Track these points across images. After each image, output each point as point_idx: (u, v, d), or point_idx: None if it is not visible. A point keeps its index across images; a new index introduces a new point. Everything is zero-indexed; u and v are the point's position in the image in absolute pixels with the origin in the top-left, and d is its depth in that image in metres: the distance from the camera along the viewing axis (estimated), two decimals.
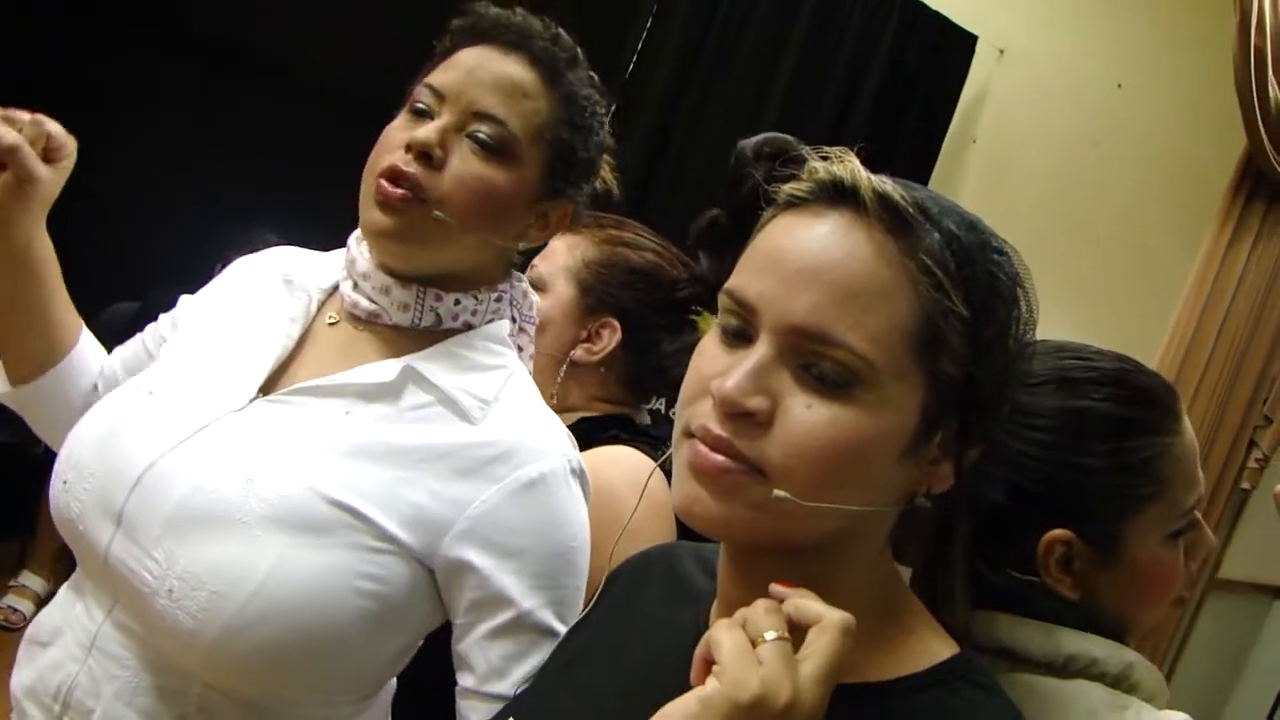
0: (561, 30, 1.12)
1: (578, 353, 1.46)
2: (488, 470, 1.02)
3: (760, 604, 0.68)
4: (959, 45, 4.01)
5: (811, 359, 0.71)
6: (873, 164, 0.76)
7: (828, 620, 0.66)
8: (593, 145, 1.13)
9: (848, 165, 0.74)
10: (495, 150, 1.05)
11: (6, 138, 1.07)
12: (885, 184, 0.73)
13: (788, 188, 0.77)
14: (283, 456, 1.01)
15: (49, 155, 1.12)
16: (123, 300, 2.77)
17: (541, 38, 1.10)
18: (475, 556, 1.00)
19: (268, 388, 1.07)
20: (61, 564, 3.44)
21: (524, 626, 1.01)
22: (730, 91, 3.69)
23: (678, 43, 3.62)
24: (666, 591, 0.94)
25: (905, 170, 0.75)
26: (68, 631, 1.05)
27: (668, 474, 0.79)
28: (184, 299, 1.26)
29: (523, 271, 1.22)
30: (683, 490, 0.74)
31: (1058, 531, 0.89)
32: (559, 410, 1.45)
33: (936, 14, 3.94)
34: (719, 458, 0.71)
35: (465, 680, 1.04)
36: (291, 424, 1.03)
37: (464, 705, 1.04)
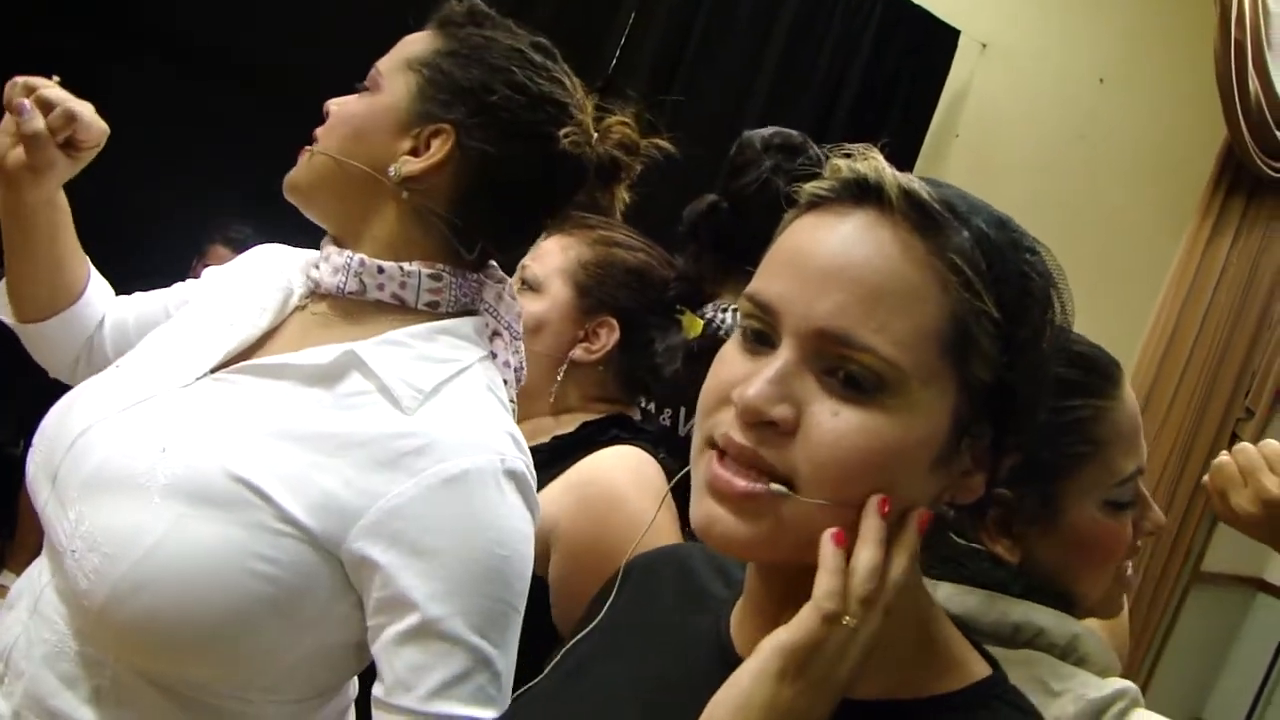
0: (481, 6, 1.12)
1: (577, 352, 1.46)
2: (406, 462, 0.96)
3: (863, 589, 0.67)
4: (942, 40, 4.02)
5: (837, 363, 0.67)
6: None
7: (864, 596, 0.67)
8: (481, 70, 1.06)
9: (872, 162, 0.71)
10: (365, 90, 1.10)
11: (31, 124, 1.08)
12: (912, 181, 0.70)
13: (809, 186, 0.73)
14: (203, 431, 0.99)
15: (73, 143, 1.13)
16: None
17: (451, 8, 1.12)
18: (379, 553, 0.95)
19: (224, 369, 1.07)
20: None
21: (431, 634, 0.94)
22: (713, 88, 3.69)
23: (660, 38, 3.61)
24: (680, 596, 0.90)
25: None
26: (26, 595, 1.05)
27: (669, 474, 0.78)
28: (208, 272, 1.27)
29: (505, 274, 1.18)
30: (701, 509, 0.71)
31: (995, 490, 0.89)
32: (557, 412, 1.46)
33: (919, 9, 3.95)
34: (741, 483, 0.68)
35: (376, 688, 0.98)
36: (226, 402, 1.02)
37: (376, 714, 0.98)
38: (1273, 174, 3.65)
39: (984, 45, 4.05)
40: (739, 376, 0.70)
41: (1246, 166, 3.68)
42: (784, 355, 0.68)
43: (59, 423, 1.06)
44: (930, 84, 4.05)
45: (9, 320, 1.26)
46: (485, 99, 1.06)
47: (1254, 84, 3.46)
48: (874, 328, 0.66)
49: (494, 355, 1.11)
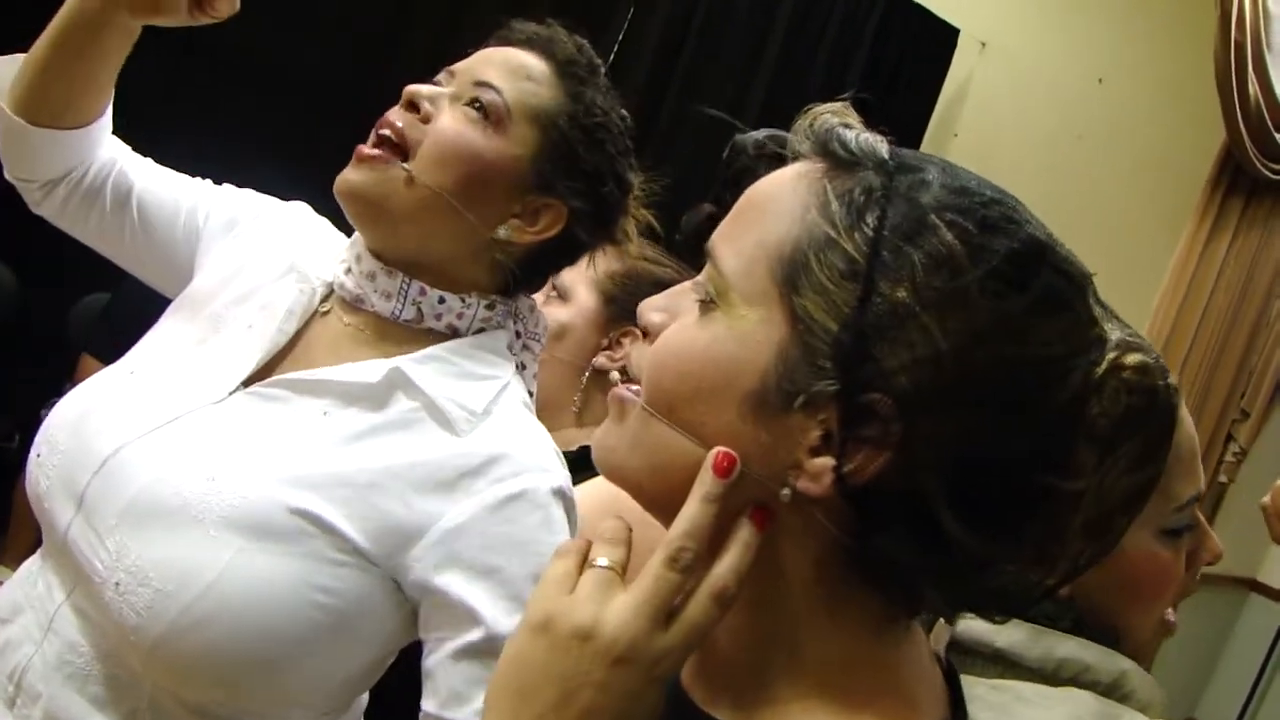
0: (588, 46, 1.12)
1: (599, 360, 1.47)
2: (464, 482, 0.97)
3: (606, 528, 0.65)
4: (941, 38, 4.01)
5: None
6: None
7: (660, 550, 0.61)
8: (601, 158, 1.08)
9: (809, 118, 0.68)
10: (484, 114, 1.03)
11: None
12: (831, 123, 0.66)
13: None
14: (250, 456, 0.97)
15: (205, 3, 1.10)
16: (97, 292, 2.76)
17: (565, 44, 1.10)
18: (442, 572, 0.95)
19: (255, 380, 1.03)
20: None
21: (489, 650, 0.94)
22: (712, 86, 3.67)
23: (659, 36, 3.60)
24: None
25: None
26: (28, 610, 1.01)
27: None
28: (228, 189, 1.23)
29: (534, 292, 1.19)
30: None
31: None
32: (583, 424, 1.46)
33: (919, 7, 3.93)
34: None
35: (427, 703, 0.97)
36: (266, 421, 0.99)
37: None
38: (1271, 176, 3.65)
39: (983, 44, 4.04)
40: None
41: (1245, 168, 3.68)
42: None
43: (75, 435, 1.02)
44: (929, 82, 4.04)
45: (4, 105, 1.14)
46: (598, 190, 1.09)
47: (1254, 86, 3.46)
48: (727, 239, 0.65)
49: (523, 367, 1.13)
